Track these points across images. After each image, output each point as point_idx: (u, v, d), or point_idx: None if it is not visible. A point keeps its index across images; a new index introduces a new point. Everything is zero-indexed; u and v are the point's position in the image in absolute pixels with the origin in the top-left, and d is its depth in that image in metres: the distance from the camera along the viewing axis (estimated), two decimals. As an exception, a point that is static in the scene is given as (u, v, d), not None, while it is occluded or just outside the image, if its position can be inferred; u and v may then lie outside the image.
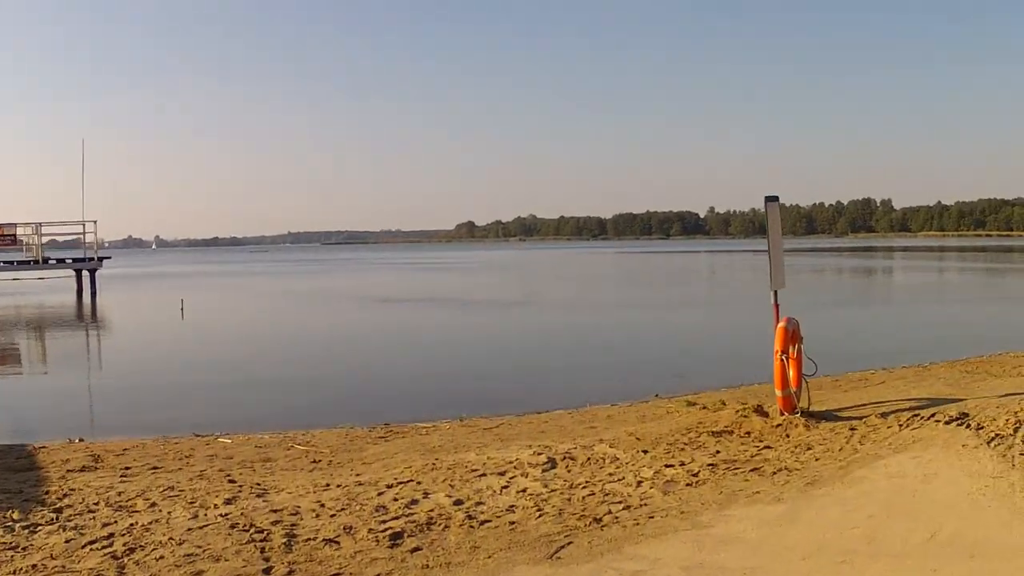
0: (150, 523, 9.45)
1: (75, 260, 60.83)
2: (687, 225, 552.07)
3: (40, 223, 59.81)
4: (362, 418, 17.04)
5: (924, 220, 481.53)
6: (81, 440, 14.92)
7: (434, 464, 11.67)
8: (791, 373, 13.33)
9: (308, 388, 22.44)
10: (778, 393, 13.22)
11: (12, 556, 8.57)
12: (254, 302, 54.70)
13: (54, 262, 60.42)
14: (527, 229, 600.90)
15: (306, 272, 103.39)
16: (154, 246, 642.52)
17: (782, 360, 13.02)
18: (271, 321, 41.21)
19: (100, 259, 60.76)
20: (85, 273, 60.12)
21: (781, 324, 13.33)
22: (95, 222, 61.93)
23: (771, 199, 13.96)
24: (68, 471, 12.35)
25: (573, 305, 46.53)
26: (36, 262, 58.77)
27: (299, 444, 13.93)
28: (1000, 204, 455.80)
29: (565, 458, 11.62)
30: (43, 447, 14.25)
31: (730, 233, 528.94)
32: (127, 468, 12.50)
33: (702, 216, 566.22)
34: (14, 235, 59.24)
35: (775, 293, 13.81)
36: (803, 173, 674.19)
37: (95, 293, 58.23)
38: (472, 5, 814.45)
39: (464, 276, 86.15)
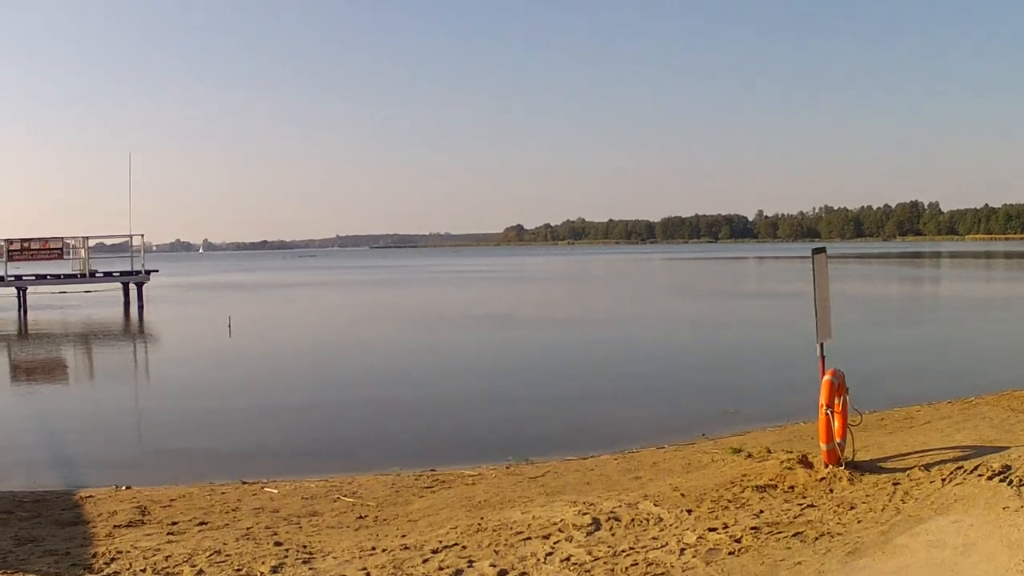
0: (196, 595, 9.50)
1: (122, 273, 61.30)
2: (735, 228, 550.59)
3: (87, 236, 60.36)
4: (408, 458, 17.16)
5: (972, 223, 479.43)
6: (128, 488, 14.98)
7: (479, 524, 11.68)
8: (836, 425, 13.32)
9: (354, 419, 22.49)
10: (823, 447, 13.21)
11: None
12: (301, 318, 54.64)
13: (101, 275, 60.99)
14: (576, 233, 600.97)
15: (355, 282, 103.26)
16: (201, 250, 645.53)
17: (827, 414, 13.02)
18: (317, 341, 41.14)
19: (147, 272, 61.21)
20: (132, 286, 60.56)
21: (827, 377, 13.30)
22: (142, 235, 63.04)
23: (818, 251, 13.95)
24: (115, 527, 12.41)
25: (625, 323, 46.34)
26: (83, 275, 59.30)
27: (345, 496, 13.98)
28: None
29: (609, 519, 11.61)
30: (90, 496, 14.34)
31: (778, 236, 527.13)
32: (174, 523, 12.56)
33: (750, 219, 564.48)
34: (61, 249, 59.72)
35: (821, 346, 13.79)
36: (851, 176, 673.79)
37: (142, 307, 58.91)
38: (517, 8, 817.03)
39: (516, 287, 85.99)
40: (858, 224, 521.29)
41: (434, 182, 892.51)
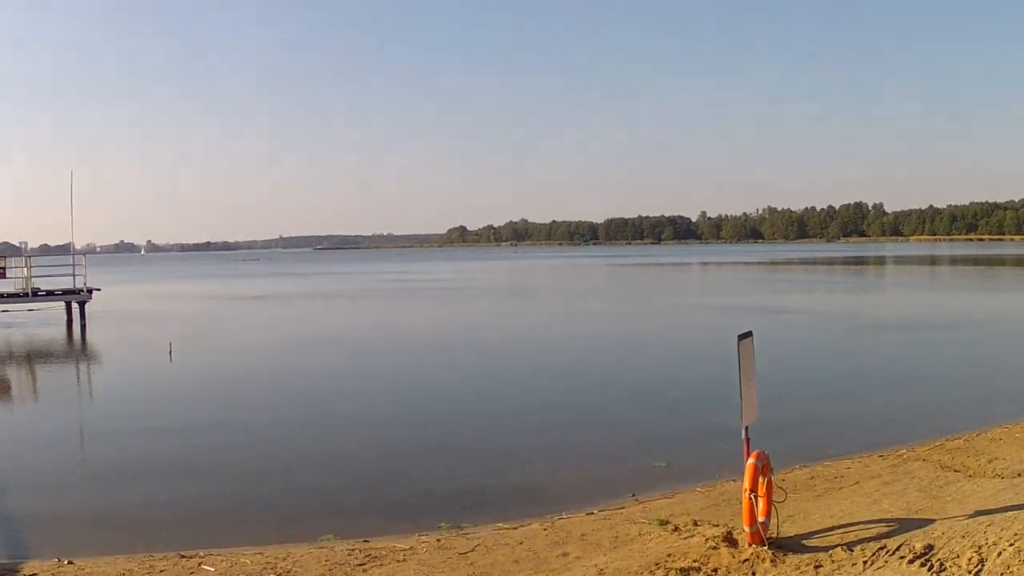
0: None
1: (64, 292, 61.13)
2: (679, 229, 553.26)
3: (30, 255, 60.59)
4: (344, 519, 17.43)
5: (916, 224, 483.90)
6: (71, 562, 15.04)
7: (405, 623, 11.80)
8: (760, 505, 13.54)
9: (290, 467, 22.47)
10: (746, 529, 13.42)
11: None
12: (244, 341, 54.02)
13: (43, 294, 60.86)
14: (518, 234, 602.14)
15: (297, 296, 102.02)
16: (143, 251, 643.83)
17: (750, 499, 13.22)
18: (257, 370, 40.74)
19: (90, 290, 61.12)
20: (75, 305, 60.57)
21: (750, 461, 13.50)
22: (84, 255, 62.85)
23: (743, 336, 14.17)
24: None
25: (562, 350, 45.82)
26: (25, 295, 59.17)
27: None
28: (992, 208, 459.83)
29: (533, 615, 11.78)
30: (34, 574, 14.42)
31: (722, 237, 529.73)
32: (114, 612, 12.68)
33: (693, 220, 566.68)
34: (4, 268, 59.85)
35: (746, 429, 14.00)
36: (795, 177, 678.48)
37: (84, 326, 58.92)
38: (463, 8, 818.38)
39: (458, 303, 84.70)
40: (802, 225, 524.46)
41: (377, 183, 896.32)
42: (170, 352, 43.97)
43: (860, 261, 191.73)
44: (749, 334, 14.34)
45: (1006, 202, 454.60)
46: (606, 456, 22.94)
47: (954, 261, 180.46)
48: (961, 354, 41.09)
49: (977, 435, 22.98)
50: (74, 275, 61.81)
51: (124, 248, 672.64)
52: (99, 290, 64.34)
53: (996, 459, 19.71)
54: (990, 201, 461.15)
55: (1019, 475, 17.83)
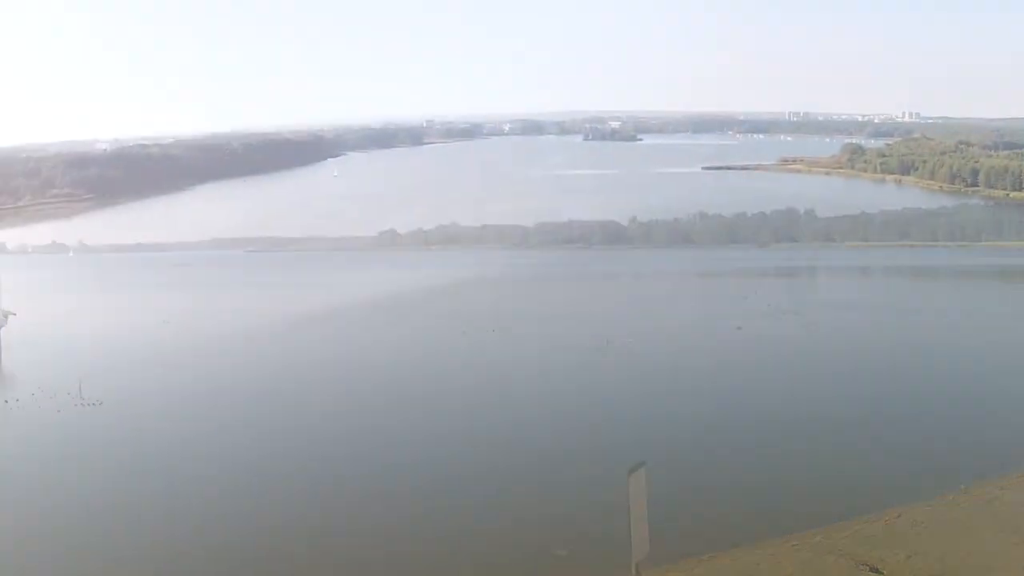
0: None
1: (-18, 315, 61.20)
2: (609, 235, 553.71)
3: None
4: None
5: (848, 229, 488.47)
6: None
7: None
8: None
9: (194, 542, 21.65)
10: None
11: None
12: (152, 380, 52.88)
13: (-40, 315, 60.79)
14: (449, 237, 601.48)
15: (224, 329, 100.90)
16: (71, 253, 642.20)
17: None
18: (152, 422, 39.72)
19: (6, 315, 61.22)
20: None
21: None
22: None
23: (634, 469, 13.46)
24: None
25: (476, 399, 44.68)
26: (-61, 320, 59.49)
27: None
28: (925, 214, 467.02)
29: None
30: None
31: (653, 242, 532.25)
32: None
33: (624, 225, 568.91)
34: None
35: (636, 565, 13.33)
36: (726, 180, 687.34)
37: (-1, 350, 58.31)
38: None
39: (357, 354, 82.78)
40: (733, 230, 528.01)
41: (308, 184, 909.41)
42: (80, 390, 43.18)
43: (793, 273, 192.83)
44: (642, 464, 13.61)
45: (938, 208, 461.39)
46: (505, 538, 22.00)
47: (889, 273, 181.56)
48: (901, 404, 40.05)
49: (899, 516, 22.29)
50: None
51: (56, 248, 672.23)
52: (15, 314, 64.03)
53: (915, 554, 19.09)
54: (922, 208, 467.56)
55: (936, 580, 17.28)
